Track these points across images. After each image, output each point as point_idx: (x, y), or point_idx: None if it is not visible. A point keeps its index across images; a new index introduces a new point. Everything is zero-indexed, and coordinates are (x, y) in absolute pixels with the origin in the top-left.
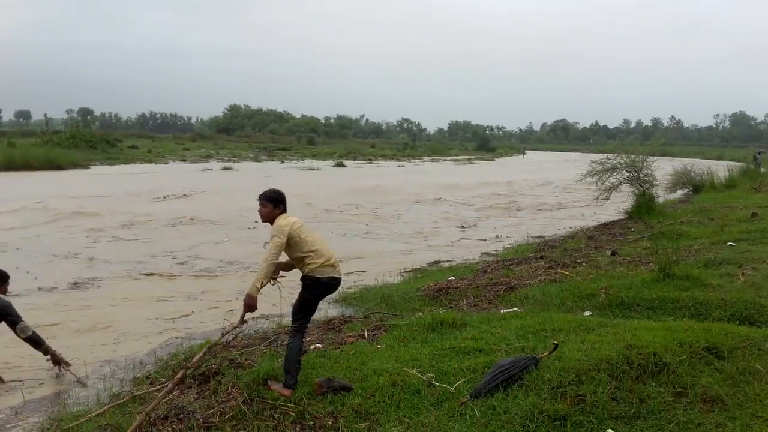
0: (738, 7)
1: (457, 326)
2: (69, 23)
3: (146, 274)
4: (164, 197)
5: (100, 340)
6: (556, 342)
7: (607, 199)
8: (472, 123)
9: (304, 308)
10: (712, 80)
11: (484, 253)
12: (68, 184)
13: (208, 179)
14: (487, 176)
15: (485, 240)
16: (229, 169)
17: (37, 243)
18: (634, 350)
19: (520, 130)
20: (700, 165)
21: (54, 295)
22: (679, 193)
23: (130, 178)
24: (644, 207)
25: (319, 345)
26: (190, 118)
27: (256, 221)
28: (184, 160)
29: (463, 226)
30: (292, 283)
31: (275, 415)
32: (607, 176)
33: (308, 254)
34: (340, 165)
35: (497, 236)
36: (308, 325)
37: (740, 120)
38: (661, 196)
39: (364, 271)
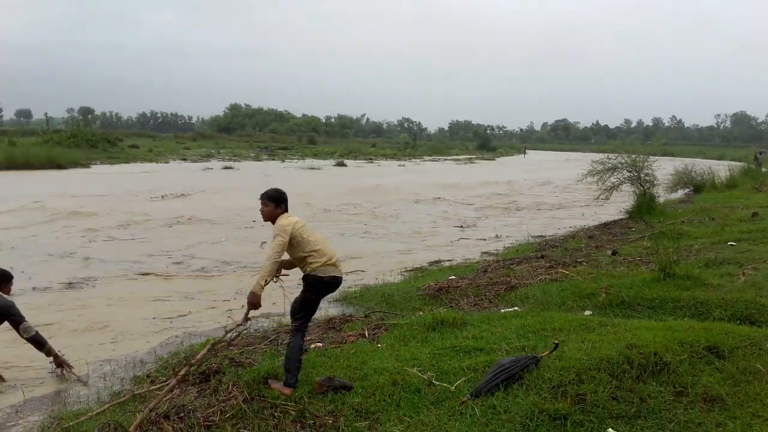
0: (738, 7)
1: (457, 325)
2: (69, 23)
3: (142, 274)
4: (162, 197)
5: (98, 340)
6: (556, 341)
7: (608, 198)
8: (472, 122)
9: (305, 307)
10: (713, 80)
11: (485, 253)
12: (68, 183)
13: (209, 178)
14: (488, 176)
15: (485, 240)
16: (230, 168)
17: (34, 242)
18: (634, 350)
19: (521, 129)
20: (701, 165)
21: (48, 294)
22: (680, 193)
23: (130, 177)
24: (645, 207)
25: (320, 344)
26: (190, 118)
27: (254, 220)
28: (184, 160)
29: (462, 226)
30: (292, 282)
31: (276, 414)
32: (607, 176)
33: (310, 254)
34: (341, 164)
35: (497, 236)
36: (309, 324)
37: (741, 120)
38: (662, 195)
39: (362, 271)
